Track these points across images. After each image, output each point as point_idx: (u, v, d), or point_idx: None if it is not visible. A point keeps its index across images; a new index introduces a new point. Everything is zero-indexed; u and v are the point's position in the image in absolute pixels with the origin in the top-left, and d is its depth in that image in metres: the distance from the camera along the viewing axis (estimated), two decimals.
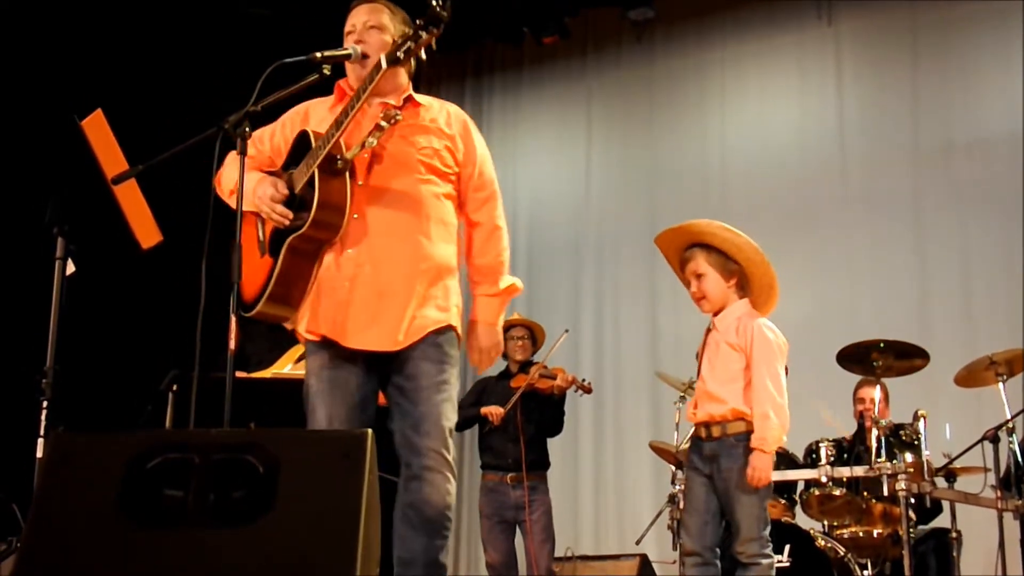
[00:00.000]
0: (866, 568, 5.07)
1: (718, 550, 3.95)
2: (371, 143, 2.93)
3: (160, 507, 2.08)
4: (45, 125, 5.30)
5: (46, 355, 3.90)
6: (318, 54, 2.98)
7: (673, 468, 5.36)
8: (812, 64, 7.65)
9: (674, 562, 4.96)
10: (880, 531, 5.13)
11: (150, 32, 6.50)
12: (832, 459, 5.01)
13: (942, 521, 5.23)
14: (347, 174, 2.95)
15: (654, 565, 5.94)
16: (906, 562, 4.58)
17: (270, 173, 3.16)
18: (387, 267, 2.99)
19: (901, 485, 4.65)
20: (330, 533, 2.03)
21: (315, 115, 3.18)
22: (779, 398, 3.85)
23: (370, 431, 2.17)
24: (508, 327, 5.92)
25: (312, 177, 2.92)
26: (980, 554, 5.38)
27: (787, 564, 4.82)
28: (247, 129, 2.86)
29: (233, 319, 2.74)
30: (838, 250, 7.20)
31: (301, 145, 3.07)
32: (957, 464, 4.98)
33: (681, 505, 4.74)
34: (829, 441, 5.12)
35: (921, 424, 4.89)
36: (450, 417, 3.00)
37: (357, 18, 3.14)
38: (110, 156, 3.99)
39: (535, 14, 8.10)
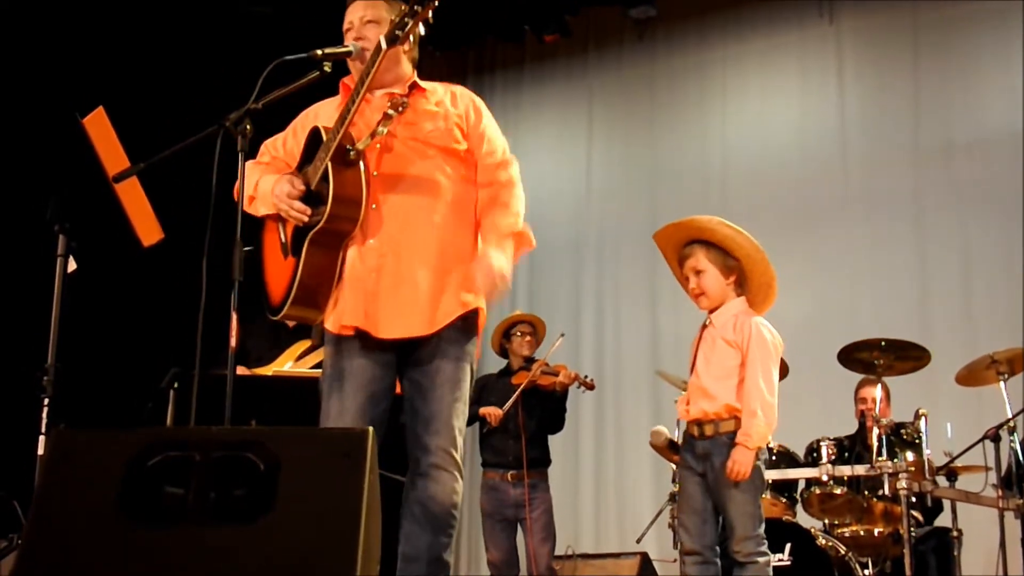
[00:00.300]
0: (867, 567, 5.06)
1: (718, 548, 3.95)
2: (381, 132, 2.94)
3: (161, 505, 2.08)
4: (46, 123, 5.29)
5: (47, 353, 3.90)
6: (319, 51, 2.98)
7: (673, 467, 5.36)
8: (813, 63, 7.65)
9: (675, 560, 4.96)
10: (881, 530, 5.13)
11: (151, 30, 6.50)
12: (833, 458, 5.02)
13: (943, 520, 5.23)
14: (361, 165, 2.94)
15: (655, 563, 5.94)
16: (907, 561, 4.58)
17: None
18: (410, 254, 2.99)
19: (902, 484, 4.65)
20: (331, 532, 2.03)
21: (324, 115, 3.18)
22: (769, 397, 3.85)
23: (371, 429, 2.17)
24: (512, 324, 5.92)
25: (326, 171, 2.92)
26: (981, 553, 5.38)
27: (788, 563, 4.82)
28: (248, 127, 2.86)
29: (234, 317, 2.74)
30: (839, 249, 7.20)
31: (314, 142, 3.06)
32: (958, 463, 4.98)
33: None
34: (830, 440, 5.13)
35: (922, 423, 4.89)
36: (461, 416, 3.01)
37: (354, 14, 3.14)
38: (111, 154, 3.99)
39: (536, 12, 8.11)
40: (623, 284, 7.92)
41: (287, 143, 3.28)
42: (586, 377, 5.70)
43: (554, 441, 5.90)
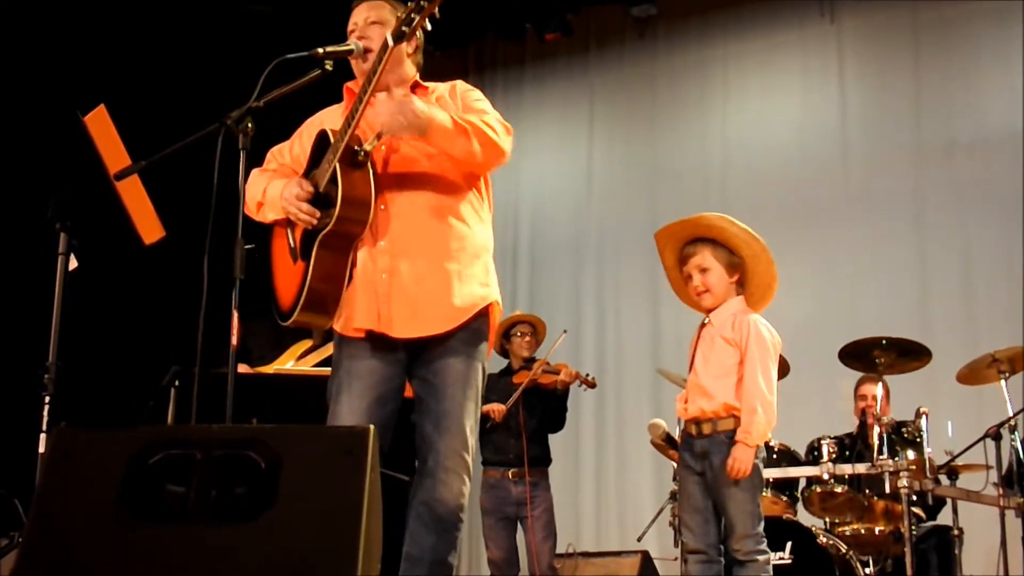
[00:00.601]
0: (867, 565, 5.06)
1: (722, 547, 3.95)
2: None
3: (162, 503, 2.08)
4: (48, 121, 5.29)
5: (48, 351, 3.90)
6: (320, 50, 2.97)
7: (674, 465, 5.36)
8: (814, 62, 7.65)
9: (676, 559, 4.97)
10: (882, 528, 5.13)
11: (153, 28, 6.51)
12: (834, 456, 5.02)
13: (944, 518, 5.23)
14: (369, 166, 2.93)
15: (656, 562, 5.94)
16: (908, 559, 4.58)
17: None
18: (421, 254, 2.98)
19: (903, 482, 4.65)
20: (332, 530, 2.03)
21: (329, 122, 3.17)
22: (769, 395, 3.86)
23: (372, 427, 2.17)
24: (511, 324, 5.92)
25: (334, 173, 2.91)
26: (982, 552, 5.39)
27: (788, 561, 4.83)
28: (249, 125, 2.85)
29: (235, 315, 2.74)
30: (840, 248, 7.20)
31: (321, 146, 3.05)
32: (959, 461, 4.98)
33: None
34: (831, 438, 5.13)
35: (923, 421, 4.90)
36: (472, 416, 3.00)
37: (359, 15, 3.14)
38: (113, 152, 3.99)
39: (537, 11, 8.11)
40: (624, 282, 7.92)
41: (293, 149, 3.28)
42: (587, 375, 5.70)
43: (555, 439, 5.90)
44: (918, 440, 4.98)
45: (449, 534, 2.93)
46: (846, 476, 5.07)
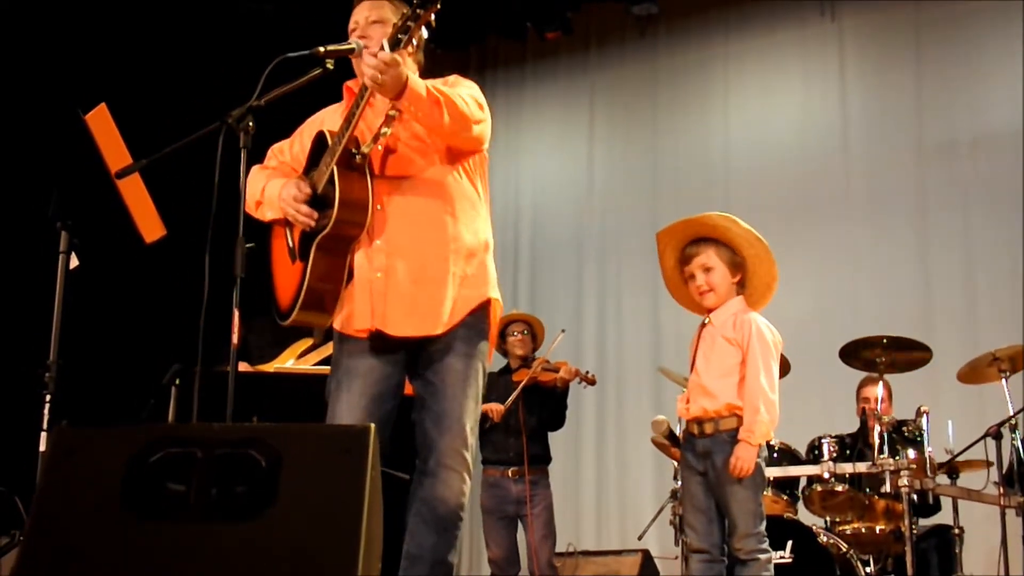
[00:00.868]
0: (868, 564, 5.07)
1: (726, 547, 3.95)
2: (385, 133, 2.93)
3: (162, 501, 2.08)
4: (49, 119, 5.30)
5: (49, 349, 3.91)
6: (321, 48, 2.96)
7: (675, 464, 5.36)
8: (815, 61, 7.65)
9: (676, 558, 4.97)
10: (882, 527, 5.13)
11: (154, 27, 6.50)
12: (835, 455, 5.03)
13: (944, 517, 5.23)
14: (366, 167, 2.94)
15: (656, 561, 5.95)
16: (908, 558, 4.58)
17: None
18: (417, 254, 2.99)
19: (903, 481, 4.65)
20: (332, 528, 2.03)
21: (329, 121, 3.18)
22: (771, 394, 3.87)
23: (372, 426, 2.17)
24: (507, 323, 5.91)
25: (332, 174, 2.92)
26: (982, 551, 5.39)
27: (789, 560, 4.83)
28: (250, 123, 2.85)
29: (236, 313, 2.74)
30: (840, 246, 7.20)
31: (319, 146, 3.06)
32: (960, 460, 4.98)
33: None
34: (832, 437, 5.13)
35: (924, 420, 4.90)
36: (472, 415, 3.00)
37: (359, 15, 3.14)
38: (114, 150, 3.99)
39: (538, 9, 8.11)
40: (625, 281, 7.92)
41: (293, 148, 3.28)
42: (587, 372, 5.70)
43: (555, 438, 5.90)
44: (919, 439, 4.98)
45: (449, 533, 2.93)
46: (847, 475, 5.07)
